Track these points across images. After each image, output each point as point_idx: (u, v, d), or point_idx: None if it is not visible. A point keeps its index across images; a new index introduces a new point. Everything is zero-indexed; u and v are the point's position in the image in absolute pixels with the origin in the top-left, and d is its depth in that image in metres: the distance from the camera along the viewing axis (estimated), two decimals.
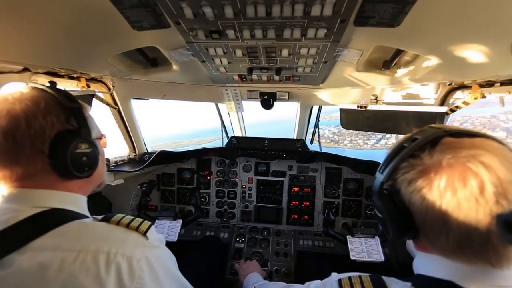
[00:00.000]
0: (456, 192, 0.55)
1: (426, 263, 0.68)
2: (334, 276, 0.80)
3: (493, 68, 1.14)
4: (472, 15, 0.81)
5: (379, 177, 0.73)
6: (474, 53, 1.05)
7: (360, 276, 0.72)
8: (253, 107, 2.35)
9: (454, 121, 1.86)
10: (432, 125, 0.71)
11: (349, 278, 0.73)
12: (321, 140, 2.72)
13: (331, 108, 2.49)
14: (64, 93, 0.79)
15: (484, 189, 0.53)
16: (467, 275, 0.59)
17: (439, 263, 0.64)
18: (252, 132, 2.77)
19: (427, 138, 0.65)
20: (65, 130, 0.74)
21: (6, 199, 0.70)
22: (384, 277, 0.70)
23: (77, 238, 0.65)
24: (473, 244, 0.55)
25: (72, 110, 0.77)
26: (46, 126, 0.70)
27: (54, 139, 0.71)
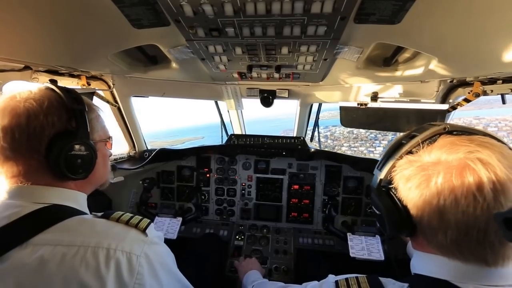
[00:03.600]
0: (454, 189, 0.55)
1: (423, 262, 0.68)
2: (331, 277, 0.79)
3: (495, 65, 1.13)
4: (474, 11, 0.81)
5: (377, 174, 0.74)
6: (475, 50, 1.04)
7: (357, 277, 0.72)
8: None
9: (455, 119, 1.85)
10: (432, 123, 0.71)
11: (346, 279, 0.73)
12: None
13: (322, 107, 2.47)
14: (72, 94, 0.79)
15: (482, 185, 0.53)
16: (463, 274, 0.59)
17: (436, 262, 0.64)
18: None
19: (425, 135, 0.66)
20: (65, 131, 0.74)
21: (7, 195, 0.71)
22: (381, 278, 0.70)
23: (78, 234, 0.66)
24: (471, 241, 0.56)
25: (74, 111, 0.77)
26: (46, 125, 0.71)
27: (52, 139, 0.72)
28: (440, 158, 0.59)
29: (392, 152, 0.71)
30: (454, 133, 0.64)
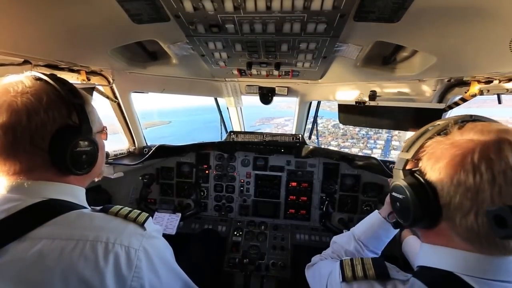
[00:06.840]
0: (492, 164, 0.53)
1: (430, 254, 0.67)
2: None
3: (492, 65, 1.15)
4: (472, 10, 0.81)
5: (403, 156, 0.70)
6: (473, 50, 1.05)
7: (362, 258, 0.73)
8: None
9: None
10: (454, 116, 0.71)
11: (351, 259, 0.75)
12: None
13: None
14: (68, 86, 0.77)
15: None
16: (470, 266, 0.58)
17: (444, 253, 0.63)
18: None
19: (454, 119, 0.66)
20: (66, 126, 0.73)
21: (6, 190, 0.70)
22: (386, 263, 0.71)
23: (76, 228, 0.66)
24: None
25: (75, 105, 0.75)
26: (47, 121, 0.69)
27: (55, 134, 0.70)
28: (473, 138, 0.58)
29: (419, 135, 0.69)
30: (482, 120, 0.65)
